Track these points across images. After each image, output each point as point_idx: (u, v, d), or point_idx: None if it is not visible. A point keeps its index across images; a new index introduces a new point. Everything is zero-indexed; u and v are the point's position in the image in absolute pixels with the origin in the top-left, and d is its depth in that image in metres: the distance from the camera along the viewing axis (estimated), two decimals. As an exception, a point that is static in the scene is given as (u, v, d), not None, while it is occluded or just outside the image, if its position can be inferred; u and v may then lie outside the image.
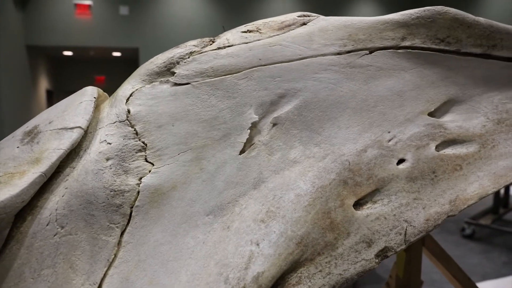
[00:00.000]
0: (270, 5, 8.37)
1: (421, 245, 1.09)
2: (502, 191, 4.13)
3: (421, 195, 0.73)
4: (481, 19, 0.86)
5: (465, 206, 0.74)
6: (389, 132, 0.77)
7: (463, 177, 0.77)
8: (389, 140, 0.76)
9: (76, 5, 7.04)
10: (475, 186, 0.76)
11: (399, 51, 0.82)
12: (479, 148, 0.82)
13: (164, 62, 0.79)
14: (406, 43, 0.82)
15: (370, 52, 0.81)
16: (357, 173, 0.72)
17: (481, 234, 3.82)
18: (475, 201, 0.75)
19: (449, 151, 0.80)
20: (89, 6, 7.11)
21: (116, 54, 8.93)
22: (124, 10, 7.30)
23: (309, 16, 0.85)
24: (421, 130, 0.79)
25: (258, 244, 0.64)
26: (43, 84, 8.80)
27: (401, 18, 0.83)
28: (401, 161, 0.76)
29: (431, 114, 0.82)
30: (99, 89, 0.86)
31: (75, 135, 0.70)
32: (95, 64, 9.82)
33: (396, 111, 0.79)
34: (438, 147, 0.79)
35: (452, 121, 0.83)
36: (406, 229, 0.69)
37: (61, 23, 7.06)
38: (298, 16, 0.85)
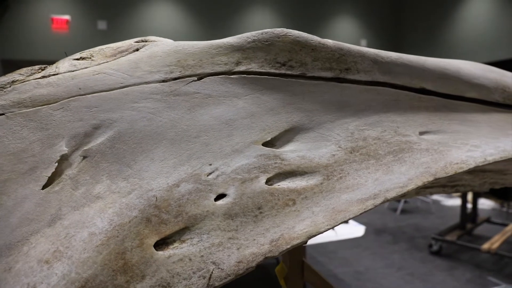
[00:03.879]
0: (250, 19, 8.38)
1: (301, 278, 1.04)
2: (469, 205, 4.08)
3: (238, 234, 0.68)
4: (328, 42, 0.82)
5: (289, 246, 0.69)
6: (210, 164, 0.72)
7: (294, 213, 0.72)
8: (209, 174, 0.71)
9: (53, 20, 7.03)
10: (306, 223, 0.71)
11: (232, 76, 0.78)
12: (322, 180, 0.77)
13: (-16, 91, 0.75)
14: (241, 68, 0.78)
15: (199, 79, 0.77)
16: (164, 210, 0.67)
17: (448, 250, 3.76)
18: (302, 240, 0.70)
19: (284, 184, 0.75)
20: (67, 20, 7.10)
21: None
22: (102, 24, 7.30)
23: (146, 41, 0.82)
24: (250, 162, 0.74)
25: None
26: (25, 98, 8.74)
27: (236, 42, 0.79)
28: (221, 196, 0.71)
29: (268, 144, 0.77)
30: None
31: None
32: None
33: (222, 142, 0.74)
34: (270, 180, 0.74)
35: (293, 150, 0.78)
36: (212, 272, 0.65)
37: (38, 37, 7.04)
38: (136, 42, 0.82)
